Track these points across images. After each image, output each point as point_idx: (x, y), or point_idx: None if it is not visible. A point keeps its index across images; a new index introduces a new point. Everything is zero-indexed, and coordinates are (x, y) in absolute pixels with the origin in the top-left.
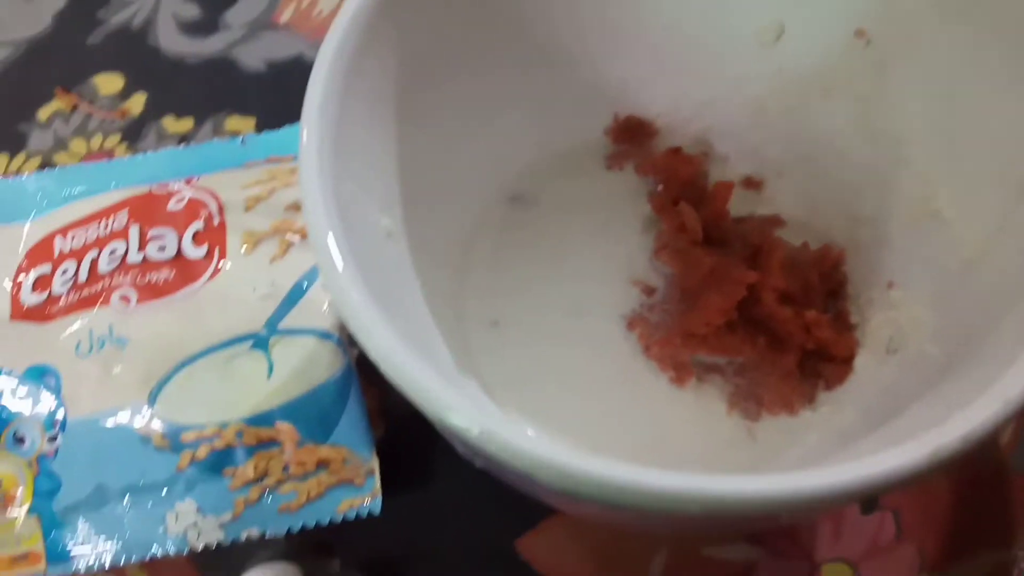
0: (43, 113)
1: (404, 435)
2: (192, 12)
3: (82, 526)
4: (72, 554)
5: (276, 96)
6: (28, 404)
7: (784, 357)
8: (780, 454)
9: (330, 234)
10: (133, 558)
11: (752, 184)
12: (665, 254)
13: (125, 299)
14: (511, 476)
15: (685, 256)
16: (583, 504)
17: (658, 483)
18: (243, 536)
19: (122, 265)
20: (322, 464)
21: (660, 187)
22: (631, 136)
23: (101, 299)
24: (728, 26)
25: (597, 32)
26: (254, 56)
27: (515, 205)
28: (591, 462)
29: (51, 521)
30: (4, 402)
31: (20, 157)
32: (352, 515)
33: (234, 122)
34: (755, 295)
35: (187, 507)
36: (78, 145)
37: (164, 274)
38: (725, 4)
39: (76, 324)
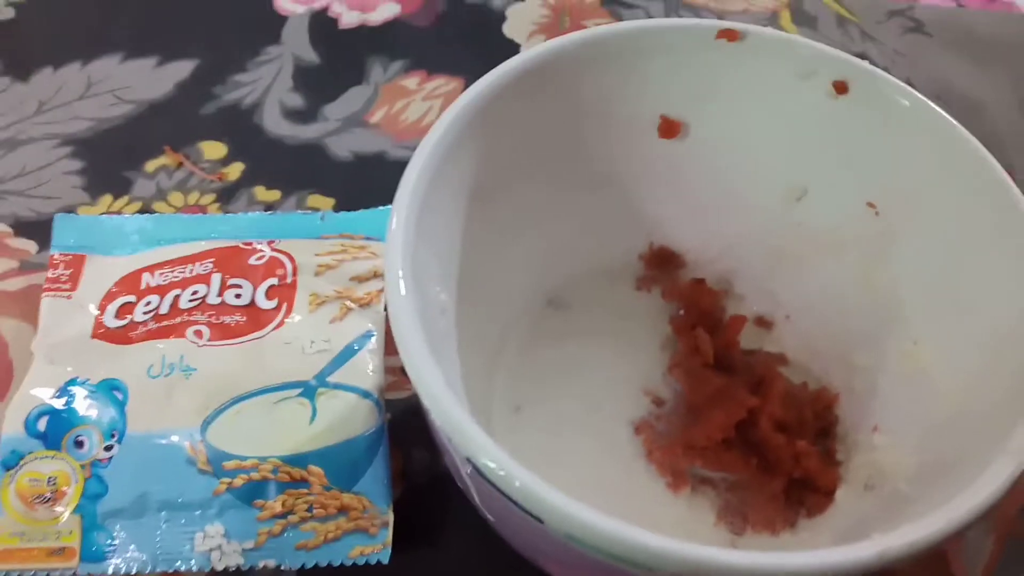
0: (150, 165)
1: (419, 498)
2: (297, 102)
3: (119, 531)
4: (105, 556)
5: (356, 183)
6: (94, 412)
7: (773, 481)
8: None
9: (405, 297)
10: (158, 568)
11: (763, 323)
12: (678, 371)
13: (199, 334)
14: (522, 525)
15: (695, 375)
16: (581, 559)
17: (657, 544)
18: (260, 564)
19: (201, 305)
20: (343, 510)
21: (682, 312)
22: (661, 264)
23: (177, 331)
24: (758, 183)
25: (644, 171)
26: (343, 146)
27: (550, 306)
28: (597, 516)
29: (92, 522)
30: (75, 407)
31: (123, 199)
32: (362, 561)
33: (315, 199)
34: (754, 419)
35: (215, 530)
36: (176, 198)
37: (236, 318)
38: (758, 165)
39: (152, 349)
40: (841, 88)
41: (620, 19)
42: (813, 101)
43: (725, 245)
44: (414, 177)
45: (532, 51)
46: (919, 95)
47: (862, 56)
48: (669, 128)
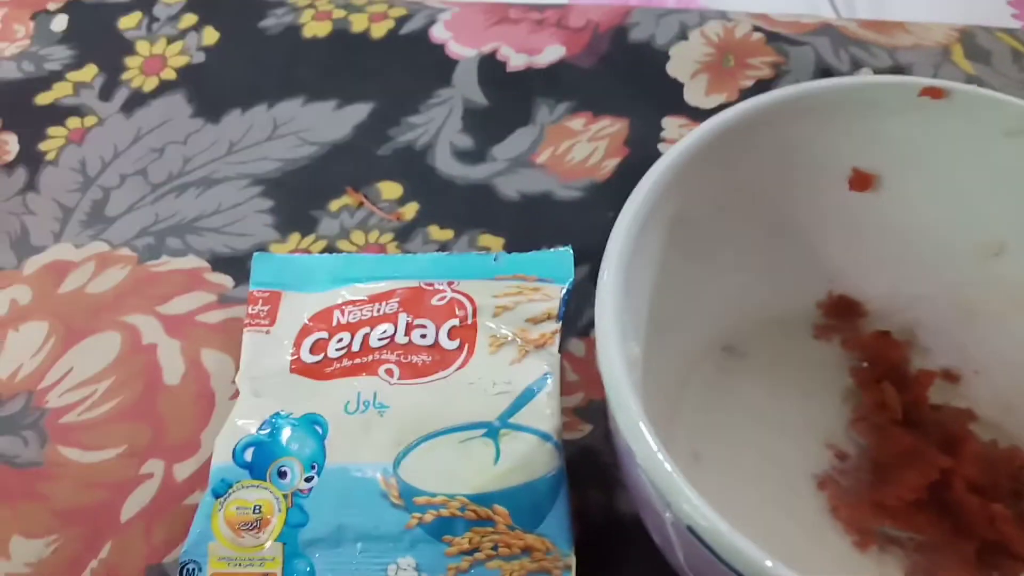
0: (334, 205)
1: (596, 539)
2: (467, 143)
3: (318, 560)
4: None
5: (525, 222)
6: (296, 445)
7: (966, 544)
8: None
9: (617, 351)
10: None
11: (950, 376)
12: (862, 426)
13: (390, 372)
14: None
15: (882, 431)
16: None
17: None
18: None
19: (390, 344)
20: (526, 550)
21: (865, 364)
22: (841, 313)
23: (370, 369)
24: (953, 238)
25: (830, 220)
26: (511, 186)
27: (728, 354)
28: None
29: (293, 550)
30: (280, 439)
31: (310, 238)
32: None
33: (486, 239)
34: (947, 480)
35: (407, 562)
36: (357, 236)
37: (423, 357)
38: (954, 220)
39: (347, 386)
40: None
41: (785, 56)
42: (1016, 159)
43: (911, 297)
44: (619, 242)
45: (731, 111)
46: None
47: None
48: (862, 181)
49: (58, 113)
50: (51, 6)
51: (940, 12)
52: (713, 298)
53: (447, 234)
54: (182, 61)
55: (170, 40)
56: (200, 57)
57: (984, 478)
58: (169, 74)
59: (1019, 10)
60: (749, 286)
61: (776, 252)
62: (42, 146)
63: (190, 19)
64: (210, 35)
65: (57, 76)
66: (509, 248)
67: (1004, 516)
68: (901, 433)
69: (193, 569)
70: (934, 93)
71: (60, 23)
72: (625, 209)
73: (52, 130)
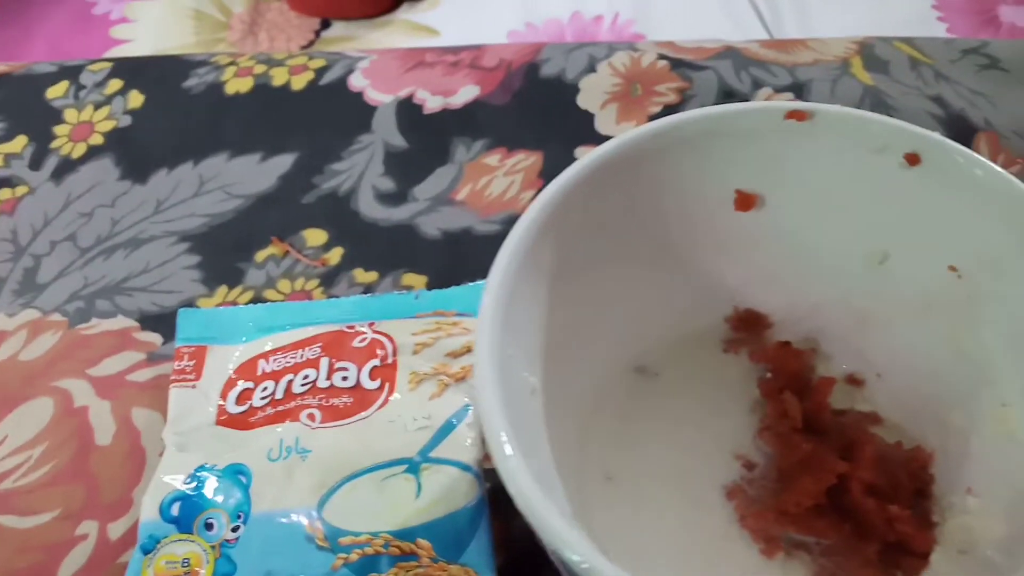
0: (260, 255)
1: (521, 567)
2: (388, 185)
3: None
4: None
5: (446, 259)
6: (222, 496)
7: (866, 546)
8: None
9: (493, 389)
10: None
11: (854, 381)
12: (768, 435)
13: (311, 417)
14: None
15: (785, 440)
16: None
17: None
18: None
19: (312, 388)
20: None
21: (769, 375)
22: (748, 326)
23: (292, 415)
24: (838, 249)
25: (724, 241)
26: (432, 225)
27: (639, 375)
28: None
29: None
30: (204, 491)
31: (237, 290)
32: None
33: (409, 278)
34: (844, 484)
35: None
36: (284, 285)
37: (344, 400)
38: (837, 232)
39: (270, 434)
40: (913, 160)
41: (690, 82)
42: (887, 172)
43: (810, 306)
44: (500, 271)
45: (608, 145)
46: (992, 165)
47: (937, 98)
48: (745, 202)
49: None
50: None
51: (862, 24)
52: (618, 321)
53: (372, 276)
54: (109, 126)
55: (96, 106)
56: (126, 120)
57: (883, 480)
58: (97, 139)
59: (944, 13)
60: (654, 307)
61: (677, 273)
62: None
63: (116, 84)
64: (135, 98)
65: None
66: (432, 285)
67: (901, 517)
68: (801, 440)
69: None
70: (798, 116)
71: None
72: (503, 247)
73: None
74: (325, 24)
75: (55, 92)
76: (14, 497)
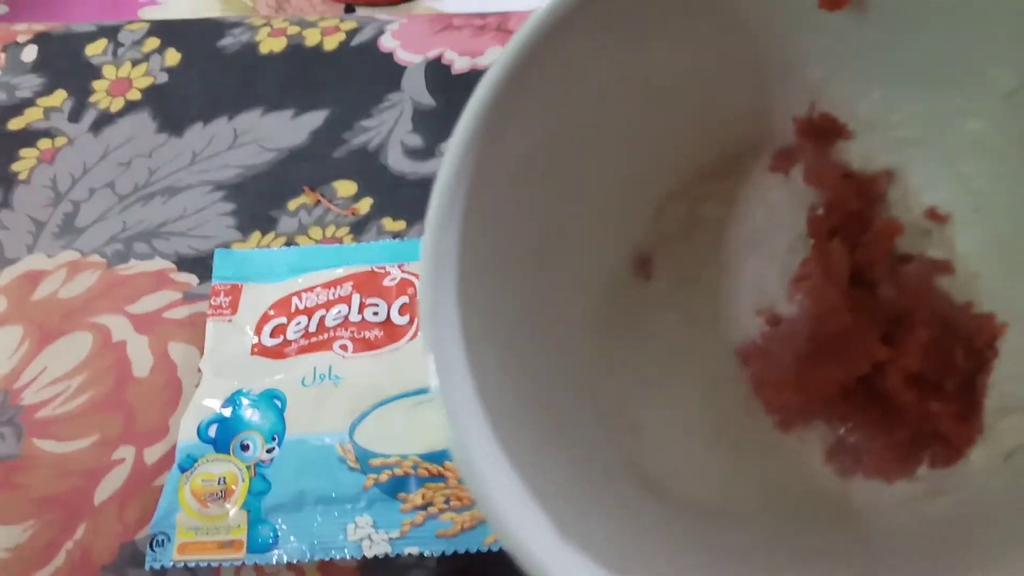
0: (292, 204)
1: None
2: (416, 141)
3: (281, 525)
4: (269, 547)
5: None
6: (257, 419)
7: (895, 432)
8: (865, 521)
9: (433, 355)
10: (316, 557)
11: (936, 216)
12: (805, 286)
13: (344, 347)
14: None
15: (823, 300)
16: None
17: None
18: (405, 552)
19: (345, 323)
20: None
21: (821, 210)
22: (817, 134)
23: (325, 346)
24: (966, 61)
25: (804, 32)
26: None
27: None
28: None
29: (257, 517)
30: (241, 414)
31: (270, 235)
32: (496, 548)
33: None
34: (882, 369)
35: (365, 521)
36: (315, 232)
37: (375, 333)
38: (966, 39)
39: (304, 362)
40: None
41: None
42: None
43: (906, 118)
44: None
45: None
46: None
47: None
48: None
49: (30, 136)
50: (21, 38)
51: None
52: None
53: (400, 225)
54: (147, 82)
55: (134, 63)
56: (163, 77)
57: (933, 362)
58: (134, 95)
59: None
60: (689, 115)
61: (737, 47)
62: (15, 167)
63: (153, 43)
64: (172, 56)
65: (28, 102)
66: None
67: (942, 414)
68: (842, 307)
69: (163, 540)
70: None
71: (30, 53)
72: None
73: (24, 152)
74: (349, 9)
75: (94, 49)
76: (53, 424)
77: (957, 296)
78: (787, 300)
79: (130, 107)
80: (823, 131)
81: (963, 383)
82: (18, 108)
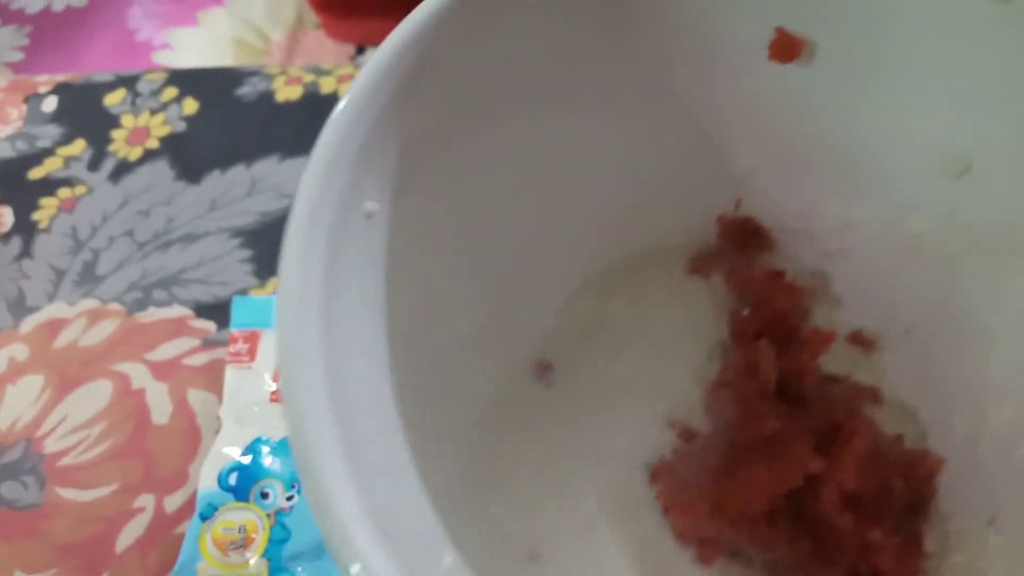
0: None
1: None
2: None
3: (301, 572)
4: None
5: None
6: (278, 467)
7: (827, 572)
8: None
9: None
10: None
11: (861, 341)
12: (725, 395)
13: None
14: None
15: (747, 405)
16: None
17: None
18: None
19: None
20: None
21: (747, 311)
22: (740, 239)
23: None
24: (905, 144)
25: (745, 104)
26: None
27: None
28: None
29: (277, 565)
30: (261, 462)
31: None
32: None
33: None
34: (814, 487)
35: None
36: None
37: None
38: (909, 117)
39: None
40: None
41: None
42: (1004, 31)
43: (838, 224)
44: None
45: None
46: None
47: None
48: (787, 48)
49: (50, 185)
50: (42, 89)
51: None
52: (527, 259)
53: None
54: (165, 131)
55: (153, 112)
56: (181, 126)
57: (869, 486)
58: (153, 143)
59: None
60: (597, 207)
61: (656, 152)
62: (35, 216)
63: (171, 92)
64: (190, 105)
65: (48, 152)
66: None
67: (883, 546)
68: (769, 411)
69: None
70: None
71: (50, 104)
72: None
73: (44, 201)
74: (360, 50)
75: (113, 99)
76: (74, 472)
77: (887, 429)
78: (703, 412)
79: (148, 156)
80: (747, 236)
81: (900, 523)
82: (38, 158)
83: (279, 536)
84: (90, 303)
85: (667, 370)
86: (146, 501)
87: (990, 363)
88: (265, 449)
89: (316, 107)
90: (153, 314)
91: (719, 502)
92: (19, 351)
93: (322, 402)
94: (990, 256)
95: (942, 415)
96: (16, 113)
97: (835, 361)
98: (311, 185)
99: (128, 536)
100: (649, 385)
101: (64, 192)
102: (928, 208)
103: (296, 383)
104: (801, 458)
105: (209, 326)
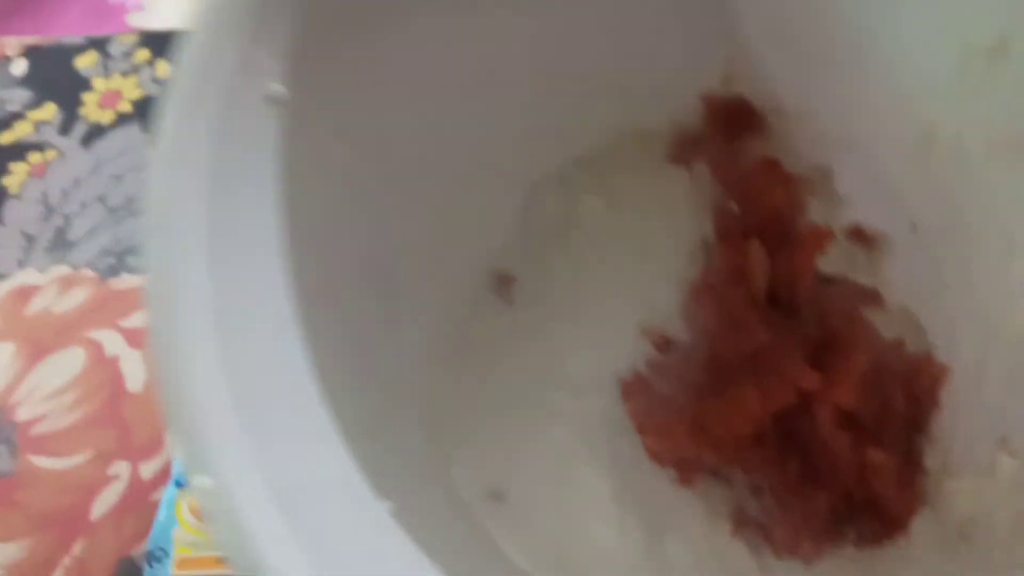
0: None
1: None
2: None
3: None
4: None
5: None
6: None
7: (817, 496)
8: None
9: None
10: None
11: (863, 238)
12: (707, 300)
13: None
14: None
15: (732, 313)
16: None
17: None
18: None
19: None
20: None
21: (734, 204)
22: (728, 122)
23: None
24: (937, 11)
25: None
26: None
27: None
28: None
29: None
30: None
31: None
32: None
33: None
34: (808, 405)
35: None
36: None
37: None
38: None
39: None
40: None
41: None
42: None
43: (842, 108)
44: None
45: None
46: None
47: None
48: None
49: (20, 150)
50: (10, 52)
51: None
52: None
53: None
54: (137, 94)
55: (125, 75)
56: (154, 89)
57: (869, 404)
58: (125, 107)
59: None
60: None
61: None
62: (5, 181)
63: (144, 54)
64: (163, 68)
65: (18, 116)
66: None
67: (882, 467)
68: (757, 321)
69: (160, 556)
70: None
71: (20, 67)
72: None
73: (14, 166)
74: None
75: (84, 62)
76: (48, 440)
77: (887, 334)
78: (680, 320)
79: (121, 120)
80: (737, 119)
81: (901, 437)
82: (8, 122)
83: None
84: (62, 270)
85: (642, 274)
86: (121, 469)
87: (1005, 271)
88: None
89: None
90: (127, 280)
91: (699, 424)
92: None
93: (208, 348)
94: (1014, 153)
95: (949, 322)
96: None
97: (832, 261)
98: (192, 60)
99: (103, 504)
100: (622, 292)
101: (35, 157)
102: (948, 93)
103: (171, 321)
104: (794, 374)
105: None
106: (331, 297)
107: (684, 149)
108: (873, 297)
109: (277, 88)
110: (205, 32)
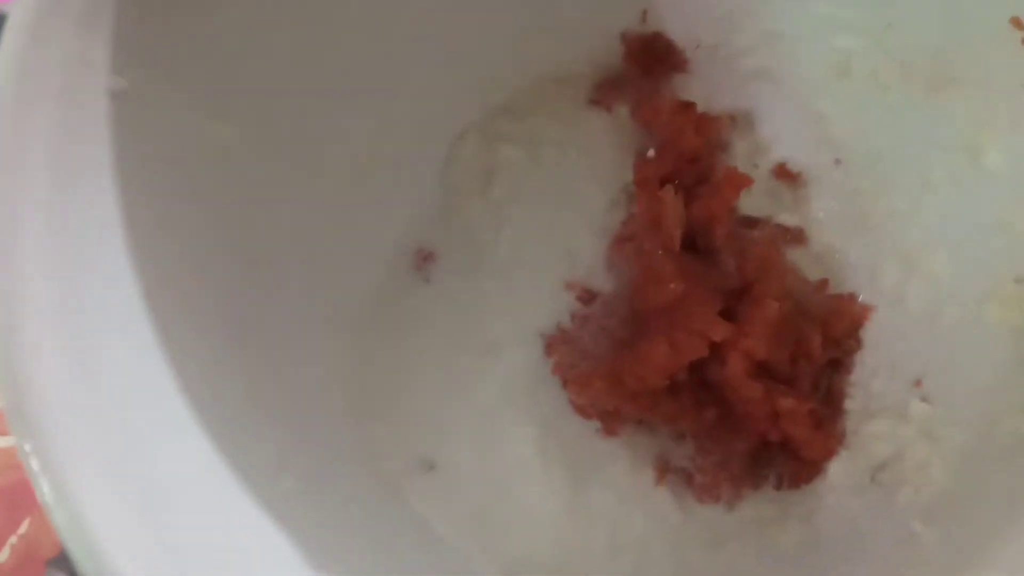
0: None
1: None
2: None
3: None
4: None
5: None
6: None
7: (734, 442)
8: (707, 555)
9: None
10: None
11: (787, 175)
12: (627, 250)
13: None
14: None
15: (649, 263)
16: None
17: None
18: None
19: None
20: None
21: (652, 152)
22: (648, 62)
23: None
24: None
25: None
26: None
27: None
28: None
29: None
30: None
31: None
32: None
33: None
34: (720, 354)
35: None
36: None
37: None
38: None
39: None
40: None
41: None
42: None
43: (760, 37)
44: None
45: None
46: None
47: None
48: None
49: None
50: None
51: None
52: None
53: None
54: None
55: None
56: None
57: (782, 349)
58: None
59: None
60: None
61: None
62: None
63: None
64: None
65: None
66: None
67: (794, 414)
68: (672, 272)
69: None
70: None
71: None
72: None
73: None
74: None
75: None
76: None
77: (811, 273)
78: (604, 270)
79: None
80: (655, 56)
81: (819, 380)
82: None
83: None
84: None
85: (564, 224)
86: None
87: (924, 206)
88: None
89: None
90: None
91: (615, 377)
92: None
93: (51, 346)
94: (926, 84)
95: (871, 259)
96: None
97: (757, 201)
98: (16, 56)
99: None
100: (546, 245)
101: None
102: (860, 21)
103: (11, 319)
104: (705, 326)
105: None
106: (201, 284)
107: (605, 91)
108: (797, 237)
109: (118, 81)
110: (28, 24)
